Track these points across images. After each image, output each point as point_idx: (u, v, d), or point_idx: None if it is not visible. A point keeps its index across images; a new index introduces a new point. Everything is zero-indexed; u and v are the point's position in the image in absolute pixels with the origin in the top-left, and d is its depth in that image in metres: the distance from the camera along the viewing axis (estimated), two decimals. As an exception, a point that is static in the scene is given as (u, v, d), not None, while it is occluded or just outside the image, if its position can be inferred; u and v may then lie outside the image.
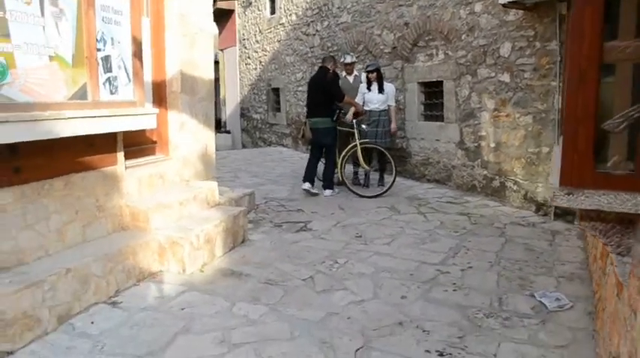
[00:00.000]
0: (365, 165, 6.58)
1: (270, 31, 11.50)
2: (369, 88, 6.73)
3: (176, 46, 4.70)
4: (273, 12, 11.50)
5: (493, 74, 5.91)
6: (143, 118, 3.83)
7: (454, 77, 6.47)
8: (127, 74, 3.82)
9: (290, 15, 10.40)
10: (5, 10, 2.82)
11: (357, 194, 6.52)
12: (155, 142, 4.74)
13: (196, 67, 4.99)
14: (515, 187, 5.87)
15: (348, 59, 7.09)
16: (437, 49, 6.71)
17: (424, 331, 3.10)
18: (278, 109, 11.76)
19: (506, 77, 5.75)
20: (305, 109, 7.12)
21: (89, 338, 2.93)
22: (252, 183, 7.45)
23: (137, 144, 4.48)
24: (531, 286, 3.77)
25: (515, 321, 3.20)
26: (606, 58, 2.03)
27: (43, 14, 3.07)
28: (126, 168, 4.13)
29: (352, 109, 6.72)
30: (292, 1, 10.28)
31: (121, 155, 4.05)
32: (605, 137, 2.14)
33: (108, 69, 3.62)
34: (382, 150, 6.60)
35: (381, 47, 7.79)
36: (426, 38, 6.89)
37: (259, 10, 11.99)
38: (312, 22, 9.74)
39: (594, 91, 2.02)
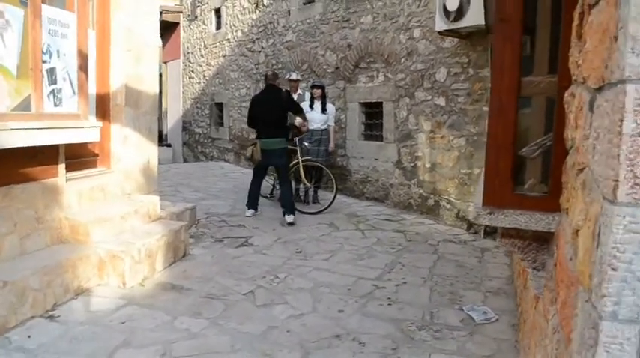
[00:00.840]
0: (307, 182, 6.74)
1: (215, 46, 11.54)
2: (311, 107, 6.92)
3: (121, 60, 4.70)
4: (218, 27, 11.56)
5: (430, 97, 6.26)
6: (87, 131, 3.83)
7: (393, 99, 6.79)
8: (72, 86, 3.82)
9: (236, 31, 10.51)
10: (-52, 18, 2.80)
11: (298, 211, 6.65)
12: (97, 155, 4.70)
13: (141, 81, 5.00)
14: (448, 206, 6.20)
15: (294, 76, 7.28)
16: (377, 71, 7.02)
17: (360, 343, 3.25)
18: (221, 124, 11.77)
19: (441, 101, 6.11)
20: (248, 128, 7.03)
21: (26, 352, 2.89)
22: (194, 197, 7.43)
23: (78, 157, 4.42)
24: (461, 300, 4.02)
25: (446, 333, 3.41)
26: (523, 91, 2.30)
27: (-10, 25, 3.05)
28: (67, 180, 4.08)
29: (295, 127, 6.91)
30: (238, 18, 10.41)
31: (62, 167, 4.01)
32: (522, 162, 2.40)
33: (53, 81, 3.61)
34: (323, 167, 6.80)
35: (325, 67, 8.04)
36: (368, 60, 7.19)
37: (205, 25, 12.01)
38: (257, 39, 9.89)
39: (513, 121, 2.27)
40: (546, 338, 2.17)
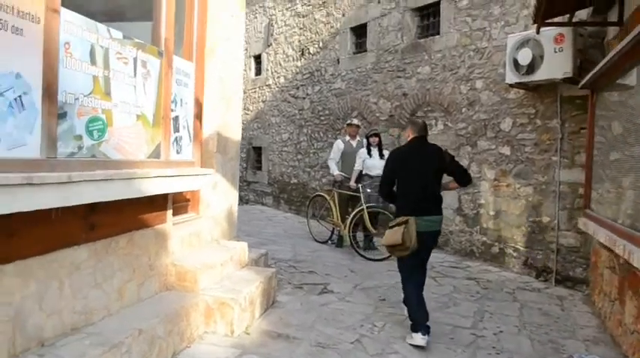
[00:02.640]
0: (372, 229, 6.75)
1: (255, 91, 11.76)
2: (369, 154, 7.01)
3: (215, 108, 4.80)
4: (258, 73, 11.81)
5: (494, 146, 6.38)
6: (202, 178, 3.88)
7: (453, 147, 6.90)
8: (189, 134, 3.89)
9: (278, 77, 10.74)
10: (110, 69, 2.88)
11: (365, 257, 6.65)
12: (188, 200, 4.73)
13: (229, 128, 5.09)
14: (515, 254, 6.22)
15: (356, 121, 7.40)
16: (436, 120, 7.16)
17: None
18: (259, 168, 11.86)
19: (506, 150, 6.22)
20: (386, 200, 4.60)
21: None
22: (252, 242, 7.40)
23: (175, 202, 4.46)
24: (564, 349, 3.99)
25: None
26: None
27: (135, 74, 3.15)
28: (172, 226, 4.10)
29: (354, 175, 6.98)
30: (281, 64, 10.66)
31: (169, 213, 4.03)
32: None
33: (176, 129, 3.68)
34: (387, 213, 6.85)
35: (377, 114, 8.19)
36: (425, 109, 7.35)
37: (244, 71, 12.30)
38: (302, 85, 10.10)
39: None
40: None
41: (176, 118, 3.65)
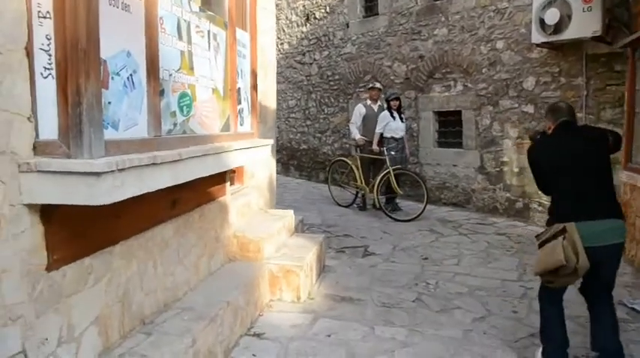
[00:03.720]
0: (399, 190, 6.84)
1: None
2: (392, 117, 7.05)
3: (258, 77, 4.77)
4: (259, 41, 11.60)
5: (516, 105, 6.47)
6: (264, 149, 3.89)
7: (474, 107, 6.97)
8: (248, 106, 3.88)
9: (282, 44, 10.58)
10: (192, 43, 2.86)
11: (394, 218, 6.77)
12: (234, 172, 4.75)
13: (267, 97, 5.07)
14: (540, 208, 6.39)
15: (378, 85, 7.42)
16: (455, 81, 7.21)
17: (559, 339, 3.39)
18: (264, 136, 11.80)
19: (530, 108, 6.32)
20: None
21: None
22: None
23: (226, 175, 4.48)
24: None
25: (622, 326, 3.57)
26: None
27: (209, 47, 3.12)
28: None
29: (376, 138, 7.03)
30: (284, 31, 10.49)
31: (228, 186, 4.06)
32: None
33: (239, 101, 3.67)
34: (413, 174, 6.97)
35: (392, 78, 8.19)
36: (443, 71, 7.37)
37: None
38: (308, 51, 9.99)
39: None
40: None
41: (238, 90, 3.63)
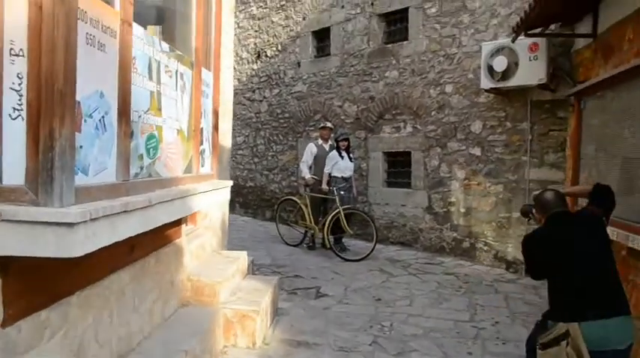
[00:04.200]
0: (349, 230, 6.87)
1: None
2: (341, 156, 7.14)
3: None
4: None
5: (464, 147, 6.72)
6: (225, 191, 3.81)
7: (423, 149, 7.18)
8: (210, 146, 3.81)
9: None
10: (161, 83, 2.79)
11: (344, 259, 6.77)
12: (187, 212, 4.60)
13: (225, 136, 5.00)
14: (485, 248, 6.60)
15: (329, 124, 7.52)
16: (405, 123, 7.41)
17: (516, 383, 3.47)
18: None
19: (477, 151, 6.59)
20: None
21: None
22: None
23: (179, 214, 4.33)
24: (558, 336, 4.35)
25: None
26: None
27: (176, 87, 3.05)
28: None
29: (325, 177, 7.08)
30: (234, 68, 10.45)
31: (184, 227, 3.92)
32: None
33: (201, 142, 3.59)
34: (363, 214, 7.04)
35: (342, 117, 8.32)
36: (393, 112, 7.57)
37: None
38: (258, 88, 10.00)
39: None
40: None
41: (201, 130, 3.56)
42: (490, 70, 5.89)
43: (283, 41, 9.44)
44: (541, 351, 2.55)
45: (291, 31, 9.27)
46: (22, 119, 1.81)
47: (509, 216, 6.33)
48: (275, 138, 9.75)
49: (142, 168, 2.58)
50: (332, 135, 7.51)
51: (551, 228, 2.79)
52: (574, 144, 4.62)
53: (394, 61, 7.50)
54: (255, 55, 9.95)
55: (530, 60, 5.52)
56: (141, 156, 2.56)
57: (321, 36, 8.86)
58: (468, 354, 3.95)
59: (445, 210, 7.03)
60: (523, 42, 5.51)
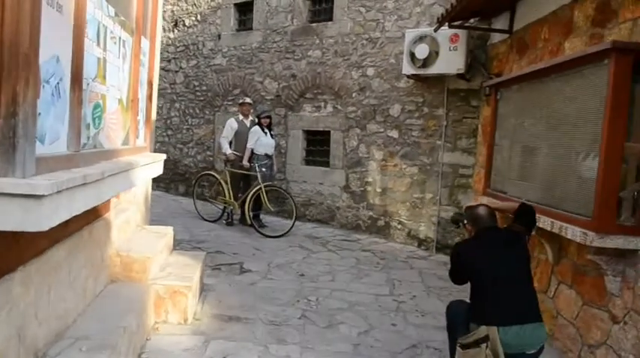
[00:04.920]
0: (270, 206, 6.91)
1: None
2: (264, 132, 7.13)
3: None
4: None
5: (382, 130, 6.99)
6: (160, 164, 3.69)
7: (343, 129, 7.36)
8: (143, 118, 3.67)
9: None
10: (107, 49, 2.66)
11: (263, 234, 6.82)
12: (111, 185, 4.40)
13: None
14: (399, 226, 6.97)
15: (249, 100, 7.43)
16: (325, 103, 7.53)
17: (436, 349, 3.81)
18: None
19: (394, 133, 6.88)
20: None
21: None
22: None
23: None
24: (468, 307, 4.77)
25: None
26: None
27: (119, 55, 2.91)
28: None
29: (247, 154, 7.06)
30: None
31: (112, 201, 3.76)
32: (621, 201, 3.21)
33: (137, 112, 3.45)
34: (283, 191, 7.12)
35: (262, 94, 8.25)
36: (315, 91, 7.65)
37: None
38: (174, 58, 9.59)
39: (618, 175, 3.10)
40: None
41: (137, 101, 3.42)
42: (412, 56, 6.15)
43: (203, 11, 9.13)
44: (462, 351, 2.81)
45: (212, 1, 8.98)
46: (-22, 81, 1.67)
47: (423, 197, 6.72)
48: (191, 111, 9.48)
49: (88, 138, 2.45)
50: (252, 111, 7.46)
51: (481, 240, 3.06)
52: (491, 132, 5.00)
53: (318, 41, 7.57)
54: (173, 24, 9.54)
55: (450, 50, 5.85)
56: (88, 126, 2.43)
57: (244, 9, 8.68)
58: (392, 325, 4.21)
59: (362, 189, 7.30)
60: (445, 32, 5.81)
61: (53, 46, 1.95)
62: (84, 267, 3.13)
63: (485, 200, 3.64)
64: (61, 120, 2.08)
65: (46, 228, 1.68)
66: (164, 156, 3.89)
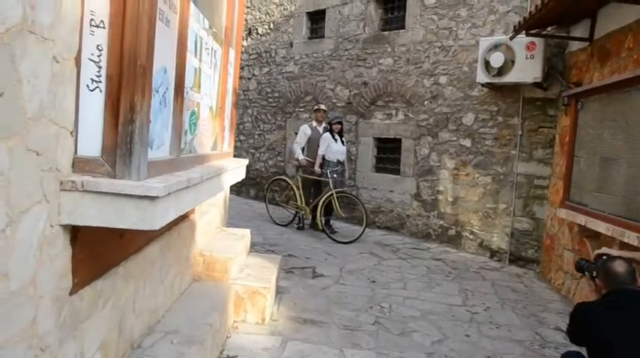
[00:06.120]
0: (340, 212, 6.99)
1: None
2: (334, 139, 7.22)
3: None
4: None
5: (455, 138, 6.90)
6: (242, 169, 3.85)
7: (414, 137, 7.33)
8: (229, 124, 3.83)
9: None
10: (202, 60, 2.81)
11: (334, 240, 6.89)
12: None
13: (230, 114, 5.01)
14: (471, 236, 6.84)
15: (323, 107, 7.57)
16: (397, 110, 7.54)
17: (511, 363, 3.71)
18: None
19: (467, 142, 6.78)
20: None
21: None
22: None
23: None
24: (546, 321, 4.62)
25: (563, 349, 3.96)
26: None
27: (211, 65, 3.07)
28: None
29: (319, 160, 7.16)
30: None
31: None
32: None
33: (224, 119, 3.62)
34: (354, 197, 7.18)
35: (334, 101, 8.38)
36: (386, 99, 7.68)
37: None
38: (247, 65, 9.93)
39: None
40: None
41: (224, 108, 3.59)
42: (487, 64, 6.05)
43: (276, 20, 9.40)
44: None
45: (285, 9, 9.23)
46: (100, 91, 1.83)
47: (496, 207, 6.57)
48: (263, 117, 9.75)
49: (186, 143, 2.61)
50: (326, 117, 7.58)
51: (614, 304, 2.40)
52: (568, 142, 4.84)
53: (389, 49, 7.59)
54: (246, 32, 9.86)
55: (526, 58, 5.70)
56: (185, 132, 2.59)
57: (316, 17, 8.86)
58: (466, 336, 4.15)
59: (433, 197, 7.22)
60: (521, 40, 5.67)
61: (162, 58, 2.10)
62: (172, 265, 3.31)
63: (614, 251, 2.82)
64: (166, 127, 2.23)
65: (158, 227, 1.81)
66: (246, 161, 4.04)
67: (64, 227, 1.79)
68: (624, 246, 3.89)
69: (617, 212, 4.13)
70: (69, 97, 1.74)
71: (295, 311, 4.34)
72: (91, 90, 1.82)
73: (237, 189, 10.36)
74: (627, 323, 2.30)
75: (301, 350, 3.59)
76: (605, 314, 2.38)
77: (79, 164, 1.81)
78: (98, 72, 1.82)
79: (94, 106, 1.82)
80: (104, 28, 1.81)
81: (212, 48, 3.05)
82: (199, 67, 2.76)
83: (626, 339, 2.26)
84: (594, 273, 2.64)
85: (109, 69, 1.81)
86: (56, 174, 1.71)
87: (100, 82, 1.82)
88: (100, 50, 1.81)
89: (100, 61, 1.82)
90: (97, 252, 2.09)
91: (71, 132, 1.78)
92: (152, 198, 1.75)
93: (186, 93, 2.53)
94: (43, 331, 1.70)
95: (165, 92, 2.17)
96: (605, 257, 2.58)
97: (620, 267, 2.49)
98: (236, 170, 3.50)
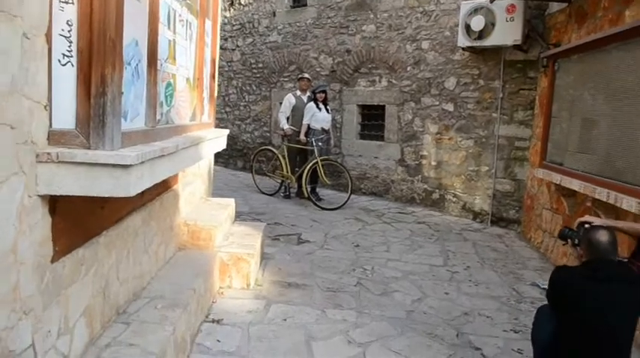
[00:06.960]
0: (326, 180, 7.09)
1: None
2: (319, 108, 7.27)
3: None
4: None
5: (437, 103, 6.98)
6: (223, 139, 3.92)
7: (397, 103, 7.40)
8: (207, 95, 3.88)
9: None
10: (176, 32, 2.85)
11: (320, 207, 7.02)
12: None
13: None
14: (454, 199, 6.99)
15: (307, 75, 7.59)
16: (380, 77, 7.58)
17: (487, 317, 3.88)
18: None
19: (450, 106, 6.86)
20: None
21: (232, 356, 3.05)
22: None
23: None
24: (524, 278, 4.81)
25: (539, 304, 4.13)
26: None
27: (186, 37, 3.11)
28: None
29: (304, 129, 7.22)
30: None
31: (180, 174, 4.03)
32: None
33: (202, 90, 3.67)
34: (339, 164, 7.28)
35: (317, 69, 8.39)
36: (369, 66, 7.70)
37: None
38: (231, 36, 9.86)
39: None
40: None
41: (202, 79, 3.63)
42: (467, 28, 6.08)
43: (258, -11, 9.32)
44: None
45: (266, -22, 9.14)
46: (72, 65, 1.88)
47: (478, 170, 6.70)
48: (248, 88, 9.74)
49: (162, 114, 2.67)
50: (310, 86, 7.60)
51: (590, 281, 2.36)
52: (546, 103, 4.93)
53: (372, 15, 7.58)
54: (229, 3, 9.76)
55: (506, 21, 5.74)
56: (161, 104, 2.65)
57: (298, -15, 8.78)
58: (445, 294, 4.32)
59: (417, 162, 7.34)
60: (501, 3, 5.70)
61: (133, 31, 2.15)
62: (156, 234, 3.41)
63: (597, 220, 2.70)
64: (140, 99, 2.30)
65: (132, 194, 1.89)
66: (227, 131, 4.11)
67: (43, 197, 1.87)
68: (596, 202, 4.03)
69: (590, 170, 4.26)
70: (41, 72, 1.80)
71: (280, 275, 4.48)
72: (63, 65, 1.88)
73: (224, 161, 10.43)
74: (602, 295, 2.30)
75: (284, 311, 3.74)
76: (582, 285, 2.38)
77: (55, 136, 1.88)
78: (69, 47, 1.88)
79: (66, 80, 1.88)
80: (73, 4, 1.86)
81: (187, 20, 3.08)
82: (174, 39, 2.80)
83: (600, 311, 2.29)
84: (577, 241, 2.61)
85: (79, 43, 1.87)
86: (32, 147, 1.78)
87: (72, 56, 1.88)
88: (70, 25, 1.87)
89: (70, 36, 1.87)
90: (77, 221, 2.18)
91: (45, 107, 1.85)
92: (125, 167, 1.83)
93: (161, 65, 2.58)
94: (26, 295, 1.80)
95: (137, 64, 2.22)
96: (587, 225, 2.56)
97: (602, 236, 2.43)
98: (216, 140, 3.57)
